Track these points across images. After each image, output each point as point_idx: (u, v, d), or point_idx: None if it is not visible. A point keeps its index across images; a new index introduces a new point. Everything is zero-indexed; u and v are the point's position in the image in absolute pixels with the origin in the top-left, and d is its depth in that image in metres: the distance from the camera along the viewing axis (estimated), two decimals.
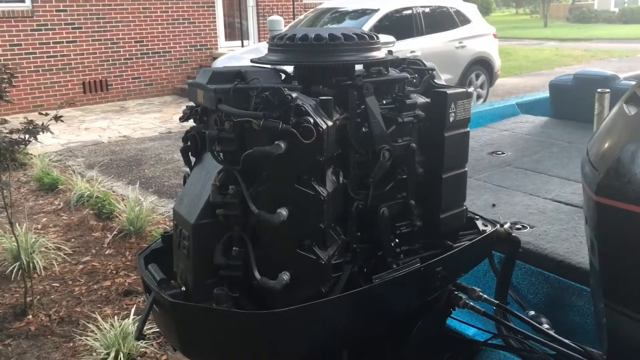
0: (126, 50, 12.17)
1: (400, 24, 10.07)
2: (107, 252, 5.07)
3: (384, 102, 1.89)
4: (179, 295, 1.72)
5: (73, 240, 5.37)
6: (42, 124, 4.17)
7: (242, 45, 13.11)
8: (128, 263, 4.83)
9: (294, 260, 1.66)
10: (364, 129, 1.83)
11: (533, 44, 23.74)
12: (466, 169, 2.05)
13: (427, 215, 1.99)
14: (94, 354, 3.39)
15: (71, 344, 3.73)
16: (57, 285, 4.54)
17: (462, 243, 2.04)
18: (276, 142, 1.56)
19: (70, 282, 4.59)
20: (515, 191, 3.01)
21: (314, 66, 1.78)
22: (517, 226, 2.57)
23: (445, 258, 1.89)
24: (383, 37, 2.22)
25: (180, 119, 1.96)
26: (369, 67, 1.90)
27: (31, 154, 7.31)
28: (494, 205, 2.84)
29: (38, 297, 4.29)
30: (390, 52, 1.97)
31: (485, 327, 2.27)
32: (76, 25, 11.43)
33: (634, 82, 3.51)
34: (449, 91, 1.93)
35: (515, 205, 2.82)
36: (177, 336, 1.71)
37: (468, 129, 2.01)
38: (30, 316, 4.06)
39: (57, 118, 4.28)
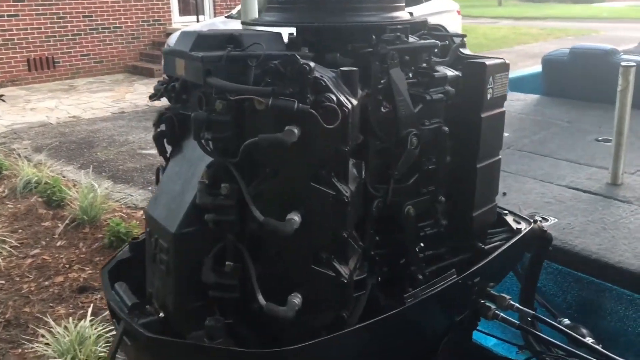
0: (74, 26, 11.42)
1: None
2: (58, 244, 4.62)
3: (409, 75, 1.53)
4: (156, 325, 1.33)
5: (20, 231, 4.91)
6: None
7: (197, 21, 12.51)
8: (82, 256, 4.40)
9: (308, 278, 1.29)
10: (383, 109, 1.47)
11: (489, 22, 23.65)
12: (500, 156, 1.71)
13: (456, 212, 1.64)
14: None
15: (19, 351, 3.31)
16: (3, 282, 4.11)
17: (495, 244, 1.71)
18: (288, 128, 1.18)
19: (17, 279, 4.15)
20: (524, 177, 2.71)
21: (327, 29, 1.40)
22: (536, 218, 2.26)
23: (484, 265, 1.55)
24: None
25: (150, 97, 1.56)
26: (385, 31, 1.53)
27: None
28: (504, 194, 2.53)
29: None
30: (411, 13, 1.61)
31: (505, 336, 1.96)
32: None
33: (636, 57, 3.25)
34: (488, 62, 1.57)
35: (528, 194, 2.53)
36: None
37: (504, 108, 1.67)
38: None
39: None
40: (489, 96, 1.58)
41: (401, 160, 1.45)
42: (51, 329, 3.13)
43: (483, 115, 1.58)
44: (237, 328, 1.36)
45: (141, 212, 5.19)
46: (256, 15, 3.49)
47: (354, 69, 1.30)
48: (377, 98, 1.45)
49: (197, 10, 13.09)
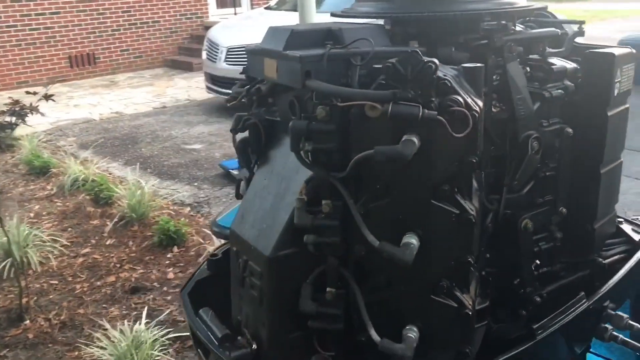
0: (113, 21, 11.42)
1: None
2: (108, 242, 4.57)
3: (525, 69, 1.34)
4: (249, 359, 1.18)
5: (70, 229, 4.87)
6: (31, 104, 3.69)
7: (235, 13, 12.40)
8: (132, 255, 4.35)
9: (425, 310, 1.12)
10: (494, 109, 1.28)
11: None
12: (622, 159, 1.50)
13: (574, 224, 1.45)
14: None
15: (76, 353, 3.25)
16: (56, 282, 4.06)
17: (615, 258, 1.50)
18: (407, 137, 1.00)
19: (70, 279, 4.10)
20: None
21: (432, 20, 1.21)
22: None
23: (614, 286, 1.35)
24: None
25: (227, 101, 1.39)
26: (497, 20, 1.34)
27: (19, 135, 6.72)
28: None
29: (35, 297, 3.82)
30: None
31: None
32: None
33: None
34: (617, 52, 1.36)
35: (624, 194, 2.28)
36: None
37: (628, 104, 1.47)
38: (28, 321, 3.60)
39: (47, 97, 3.81)
40: (616, 91, 1.37)
41: (522, 168, 1.26)
42: (106, 332, 3.04)
43: (610, 113, 1.37)
44: None
45: (188, 209, 5.09)
46: (313, 5, 3.31)
47: (479, 65, 1.11)
48: (491, 97, 1.26)
49: (235, 3, 12.98)
